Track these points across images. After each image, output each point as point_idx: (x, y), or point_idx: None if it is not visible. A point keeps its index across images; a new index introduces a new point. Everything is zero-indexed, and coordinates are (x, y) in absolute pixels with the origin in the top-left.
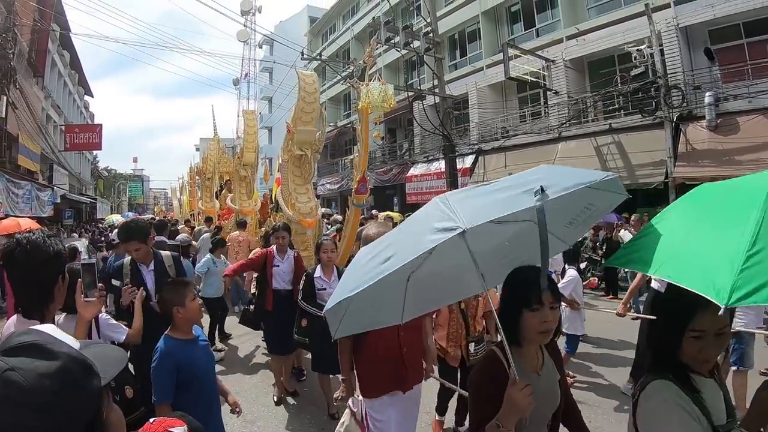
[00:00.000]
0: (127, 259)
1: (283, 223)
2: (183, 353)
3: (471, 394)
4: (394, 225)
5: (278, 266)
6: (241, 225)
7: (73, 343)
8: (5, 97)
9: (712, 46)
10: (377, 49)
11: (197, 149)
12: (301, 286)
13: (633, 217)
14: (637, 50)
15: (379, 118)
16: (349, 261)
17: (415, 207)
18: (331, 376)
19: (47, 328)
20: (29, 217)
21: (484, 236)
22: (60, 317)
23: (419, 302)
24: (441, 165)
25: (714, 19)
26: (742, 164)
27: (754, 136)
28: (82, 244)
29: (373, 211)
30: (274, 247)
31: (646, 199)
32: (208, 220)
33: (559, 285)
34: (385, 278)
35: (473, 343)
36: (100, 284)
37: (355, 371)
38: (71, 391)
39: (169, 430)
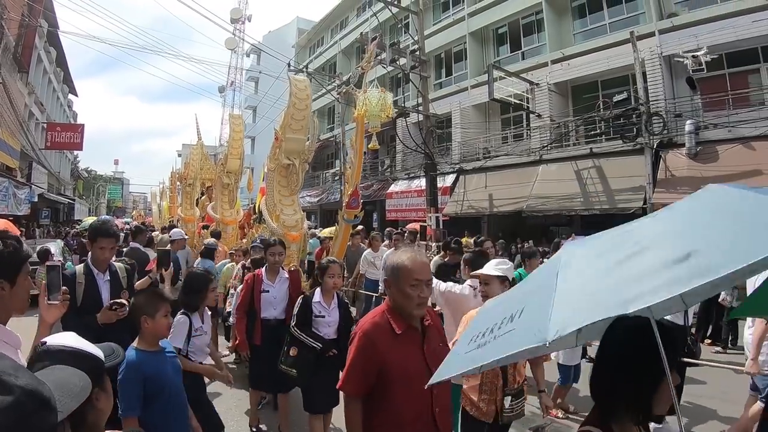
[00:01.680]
0: (80, 266)
1: (279, 239)
2: (150, 365)
3: None
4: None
5: (268, 291)
6: (216, 235)
7: (94, 350)
8: None
9: (694, 75)
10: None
11: (179, 155)
12: (295, 311)
13: None
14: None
15: (376, 127)
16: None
17: (395, 224)
18: (323, 415)
19: (68, 336)
20: (4, 216)
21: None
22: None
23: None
24: (422, 183)
25: (697, 48)
26: None
27: (733, 165)
28: (56, 245)
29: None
30: (263, 268)
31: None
32: (166, 229)
33: None
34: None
35: (510, 397)
36: (65, 287)
37: None
38: (22, 428)
39: None
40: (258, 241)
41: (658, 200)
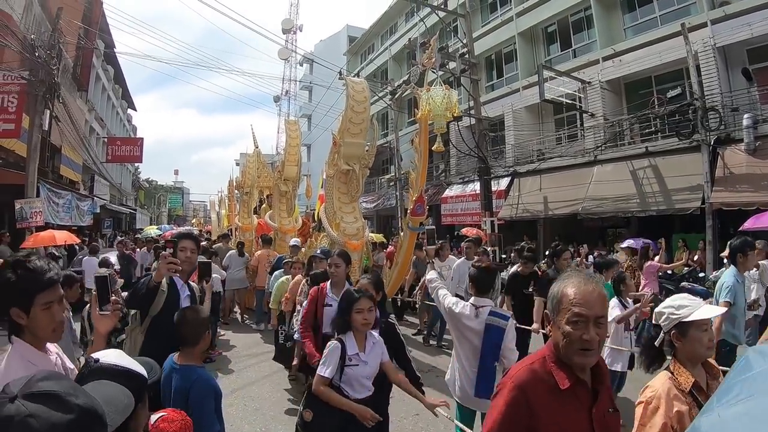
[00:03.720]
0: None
1: (342, 250)
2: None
3: None
4: (377, 246)
5: (331, 306)
6: (267, 242)
7: (139, 368)
8: (48, 111)
9: (751, 66)
10: (414, 67)
11: (237, 164)
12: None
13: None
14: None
15: (442, 128)
16: (400, 291)
17: (450, 229)
18: None
19: (115, 354)
20: (68, 227)
21: None
22: None
23: None
24: (476, 187)
25: (752, 38)
26: None
27: None
28: (113, 254)
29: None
30: (328, 282)
31: (683, 225)
32: (224, 237)
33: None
34: None
35: None
36: (114, 297)
37: None
38: None
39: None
40: (319, 251)
41: (716, 200)
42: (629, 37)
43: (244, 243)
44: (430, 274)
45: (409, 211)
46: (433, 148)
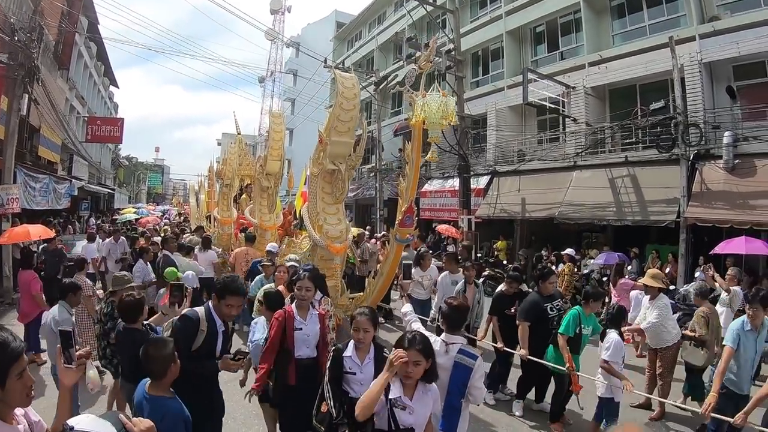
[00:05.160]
0: (203, 311)
1: (312, 270)
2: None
3: None
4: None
5: (301, 329)
6: (249, 240)
7: (108, 428)
8: (27, 96)
9: (735, 83)
10: (399, 62)
11: (219, 144)
12: (328, 364)
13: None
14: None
15: (436, 137)
16: (387, 298)
17: (428, 223)
18: None
19: (88, 419)
20: (45, 212)
21: None
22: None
23: None
24: (456, 183)
25: (739, 56)
26: (756, 209)
27: None
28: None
29: (422, 249)
30: (293, 304)
31: (658, 235)
32: (200, 230)
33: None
34: None
35: None
36: (80, 351)
37: None
38: None
39: None
40: (290, 263)
41: (691, 214)
42: (617, 44)
43: (209, 238)
44: (405, 308)
45: (397, 223)
46: (427, 157)
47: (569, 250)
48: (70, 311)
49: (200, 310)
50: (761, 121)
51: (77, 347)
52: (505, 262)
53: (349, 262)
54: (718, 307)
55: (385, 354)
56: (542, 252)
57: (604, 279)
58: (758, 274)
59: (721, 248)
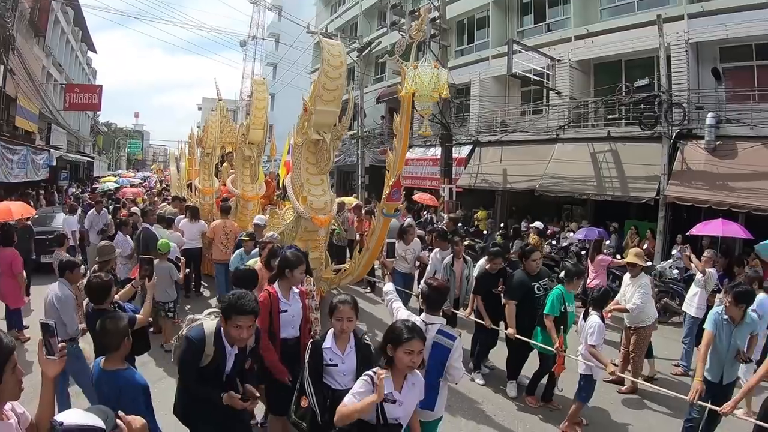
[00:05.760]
0: (211, 332)
1: (296, 253)
2: None
3: None
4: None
5: (286, 311)
6: (224, 211)
7: (99, 423)
8: (2, 66)
9: (721, 65)
10: (383, 28)
11: (199, 109)
12: (306, 357)
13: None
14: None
15: (428, 110)
16: (371, 270)
17: (410, 192)
18: None
19: (76, 414)
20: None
21: None
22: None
23: None
24: (437, 152)
25: (726, 38)
26: (735, 191)
27: (752, 165)
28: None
29: (407, 220)
30: (275, 285)
31: (637, 211)
32: (177, 200)
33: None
34: None
35: None
36: (62, 344)
37: None
38: None
39: None
40: (275, 236)
41: (671, 193)
42: (604, 19)
43: (197, 208)
44: (387, 287)
45: (384, 196)
46: (420, 131)
47: (537, 223)
48: (70, 288)
49: (208, 328)
50: (745, 104)
51: (58, 338)
52: (485, 232)
53: (336, 232)
54: (693, 288)
55: (366, 341)
56: (521, 224)
57: (582, 253)
58: (734, 255)
59: (698, 230)
